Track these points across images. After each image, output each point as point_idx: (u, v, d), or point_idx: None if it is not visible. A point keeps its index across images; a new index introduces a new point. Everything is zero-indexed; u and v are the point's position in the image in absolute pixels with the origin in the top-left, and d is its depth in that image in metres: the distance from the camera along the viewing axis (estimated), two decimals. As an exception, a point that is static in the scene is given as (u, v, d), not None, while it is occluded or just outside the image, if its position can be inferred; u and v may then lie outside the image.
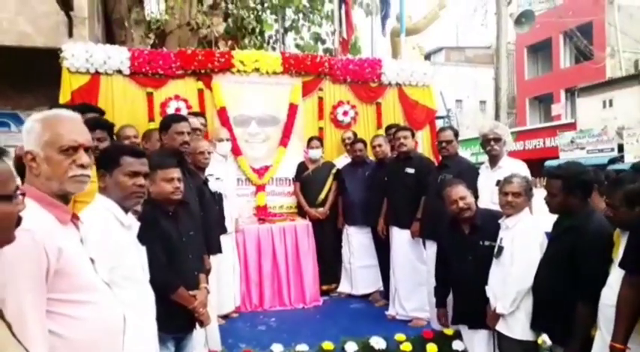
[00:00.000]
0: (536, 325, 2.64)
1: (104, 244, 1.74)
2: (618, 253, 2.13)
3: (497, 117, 8.86)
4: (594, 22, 19.25)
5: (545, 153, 18.53)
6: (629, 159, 15.33)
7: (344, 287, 5.05)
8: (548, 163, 16.39)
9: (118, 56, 4.67)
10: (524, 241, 2.64)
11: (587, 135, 17.32)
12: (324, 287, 4.97)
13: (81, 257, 1.41)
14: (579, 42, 18.44)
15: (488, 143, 3.60)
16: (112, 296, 1.50)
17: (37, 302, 1.26)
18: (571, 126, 18.76)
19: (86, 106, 3.57)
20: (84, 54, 4.52)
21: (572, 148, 17.69)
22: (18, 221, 1.15)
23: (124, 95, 4.73)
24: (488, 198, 3.40)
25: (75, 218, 1.47)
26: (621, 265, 2.07)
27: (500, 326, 2.70)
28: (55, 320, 1.31)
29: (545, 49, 22.84)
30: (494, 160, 3.65)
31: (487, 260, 2.80)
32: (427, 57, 29.52)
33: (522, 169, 3.40)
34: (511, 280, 2.62)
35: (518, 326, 2.64)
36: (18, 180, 1.22)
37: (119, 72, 4.69)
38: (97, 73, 4.60)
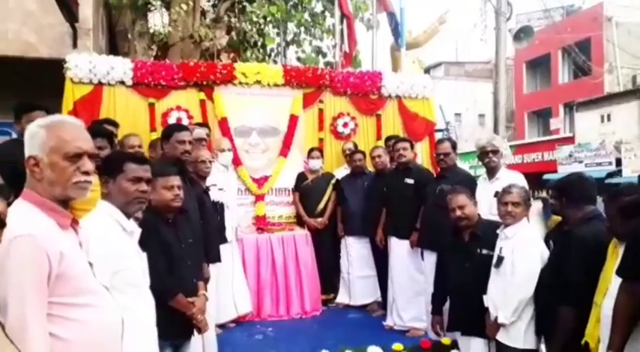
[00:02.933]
0: (538, 331, 2.67)
1: (107, 249, 1.77)
2: (615, 263, 2.16)
3: (495, 130, 8.89)
4: (592, 39, 19.47)
5: (544, 166, 18.60)
6: (627, 173, 15.41)
7: (342, 297, 5.05)
8: (547, 177, 16.52)
9: (121, 67, 4.74)
10: (525, 251, 2.67)
11: (585, 149, 17.40)
12: (323, 297, 4.97)
13: (81, 261, 1.43)
14: (577, 58, 18.63)
15: (486, 155, 3.65)
16: (110, 299, 1.52)
17: (38, 306, 1.28)
18: (569, 139, 18.86)
19: (106, 120, 3.89)
20: (87, 64, 4.59)
21: (571, 162, 17.75)
22: (2, 222, 1.14)
23: (126, 105, 4.79)
24: (487, 210, 3.43)
25: (74, 222, 1.49)
26: (617, 272, 2.10)
27: (501, 336, 2.71)
28: (55, 323, 1.32)
29: (544, 65, 23.05)
30: (491, 172, 3.69)
31: (484, 268, 2.82)
32: (427, 71, 29.70)
33: (520, 180, 3.43)
34: (512, 290, 2.65)
35: (519, 335, 2.66)
36: None
37: (122, 83, 4.75)
38: (100, 84, 4.67)
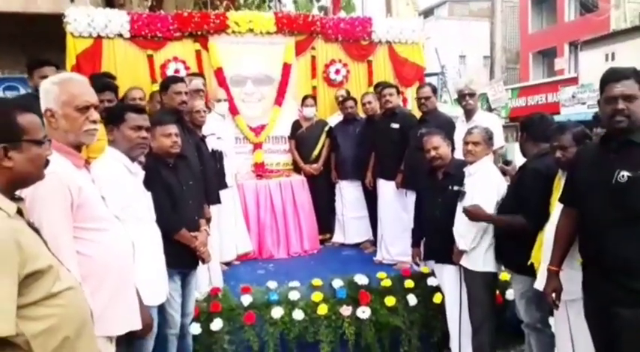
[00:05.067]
0: (498, 257, 3.03)
1: (116, 187, 2.08)
2: (559, 193, 2.46)
3: (491, 72, 8.98)
4: (600, -28, 18.80)
5: (548, 108, 18.50)
6: (628, 113, 15.40)
7: (337, 237, 5.41)
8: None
9: (118, 20, 4.87)
10: (482, 185, 2.97)
11: (588, 90, 17.27)
12: (320, 237, 5.35)
13: (95, 194, 1.75)
14: (582, -7, 18.10)
15: (464, 98, 3.87)
16: (121, 226, 1.84)
17: (66, 229, 1.60)
18: (573, 80, 18.67)
19: (104, 74, 4.22)
20: (86, 18, 4.73)
21: (574, 103, 17.70)
22: (46, 163, 1.44)
23: (126, 58, 4.96)
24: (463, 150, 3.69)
25: (86, 163, 1.79)
26: (560, 199, 2.40)
27: (464, 261, 3.07)
28: (79, 243, 1.66)
29: (550, 1, 22.38)
30: (469, 114, 3.92)
31: (454, 202, 3.13)
32: (430, 11, 28.91)
33: (495, 122, 3.68)
34: (466, 221, 2.97)
35: (478, 260, 3.00)
36: None
37: (120, 35, 4.90)
38: (99, 37, 4.82)
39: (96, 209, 1.72)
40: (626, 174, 2.02)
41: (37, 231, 1.36)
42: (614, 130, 2.10)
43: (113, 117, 2.23)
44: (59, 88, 1.71)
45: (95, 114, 1.76)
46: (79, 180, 1.66)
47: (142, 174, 2.31)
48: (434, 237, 3.34)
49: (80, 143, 1.76)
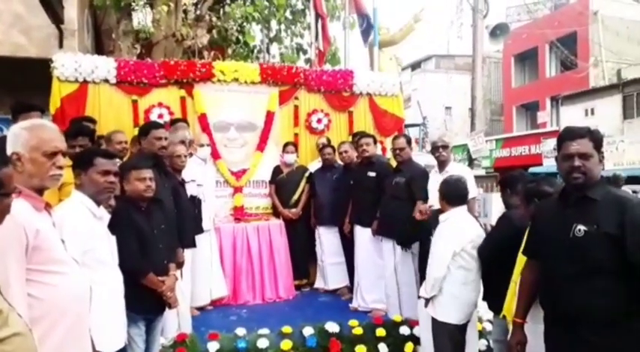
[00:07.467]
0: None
1: (78, 231, 2.09)
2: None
3: (472, 124, 9.25)
4: (578, 33, 19.78)
5: (530, 159, 18.97)
6: (609, 166, 15.76)
7: (318, 282, 5.38)
8: (532, 170, 16.91)
9: (105, 66, 5.02)
10: (443, 234, 3.01)
11: (569, 143, 17.71)
12: (296, 282, 5.31)
13: (54, 237, 1.75)
14: (561, 53, 18.97)
15: (437, 150, 3.99)
16: (79, 269, 1.84)
17: (18, 271, 1.59)
18: (555, 133, 19.15)
19: (84, 118, 4.28)
20: (73, 64, 4.86)
21: (555, 155, 18.09)
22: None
23: (111, 102, 5.06)
24: (436, 200, 3.76)
25: (48, 206, 1.81)
26: (523, 252, 2.45)
27: (429, 308, 3.06)
28: (32, 286, 1.64)
29: (532, 58, 23.36)
30: (442, 165, 4.03)
31: None
32: (418, 64, 29.95)
33: (467, 173, 3.77)
34: (429, 268, 3.01)
35: (439, 308, 2.99)
36: None
37: (106, 81, 5.02)
38: (85, 82, 4.93)
39: (54, 252, 1.72)
40: (582, 228, 2.08)
41: None
42: (571, 186, 2.18)
43: (81, 162, 2.27)
44: (29, 133, 1.76)
45: (62, 160, 1.80)
46: (38, 222, 1.68)
47: (107, 217, 2.32)
48: None
49: (44, 187, 1.78)
